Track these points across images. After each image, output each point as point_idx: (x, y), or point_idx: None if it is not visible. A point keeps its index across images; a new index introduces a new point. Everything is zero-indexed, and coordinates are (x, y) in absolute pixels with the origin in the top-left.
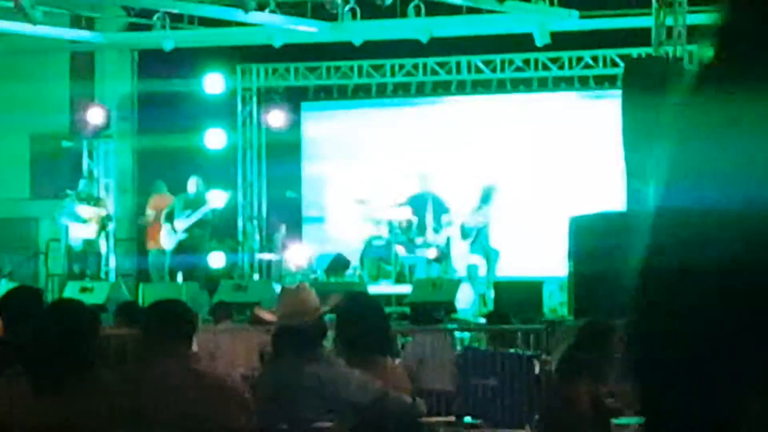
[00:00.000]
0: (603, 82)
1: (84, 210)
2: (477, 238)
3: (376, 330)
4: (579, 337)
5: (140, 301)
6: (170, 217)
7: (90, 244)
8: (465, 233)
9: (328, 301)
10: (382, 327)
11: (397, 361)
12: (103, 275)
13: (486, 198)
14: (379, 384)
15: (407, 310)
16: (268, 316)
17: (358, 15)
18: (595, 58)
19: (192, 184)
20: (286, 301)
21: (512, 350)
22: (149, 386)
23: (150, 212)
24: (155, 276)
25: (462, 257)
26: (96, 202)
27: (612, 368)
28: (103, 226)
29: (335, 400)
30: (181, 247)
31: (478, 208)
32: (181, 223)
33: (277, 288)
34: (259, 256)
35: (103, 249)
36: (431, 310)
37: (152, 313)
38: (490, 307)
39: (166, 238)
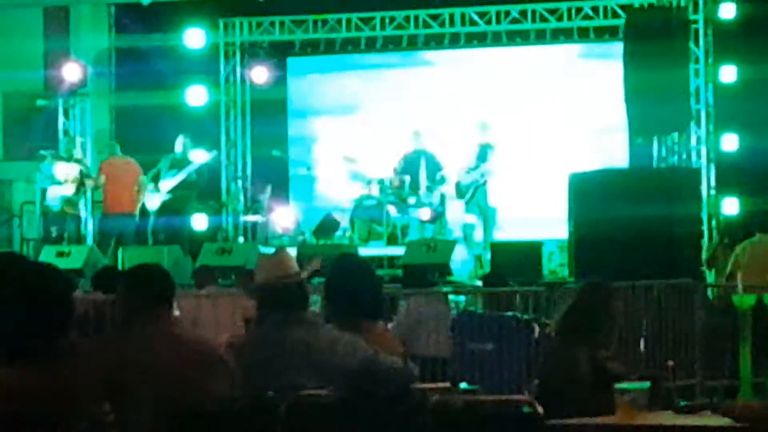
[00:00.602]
0: (604, 33)
1: (61, 169)
2: (473, 196)
3: (366, 293)
4: (579, 299)
5: (120, 265)
6: (156, 178)
7: (69, 204)
8: (460, 192)
9: (308, 265)
10: (373, 290)
11: (390, 325)
12: (82, 239)
13: (483, 155)
14: (369, 348)
15: (400, 272)
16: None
17: None
18: (595, 9)
19: (179, 143)
20: (265, 266)
21: (510, 314)
22: (129, 353)
23: (102, 177)
24: (123, 241)
25: (457, 217)
26: (75, 160)
27: (614, 332)
28: (81, 183)
29: (323, 364)
30: (165, 209)
31: (474, 167)
32: (167, 184)
33: (264, 251)
34: (243, 218)
35: (82, 212)
36: (425, 272)
37: (129, 278)
38: (487, 269)
39: (151, 199)
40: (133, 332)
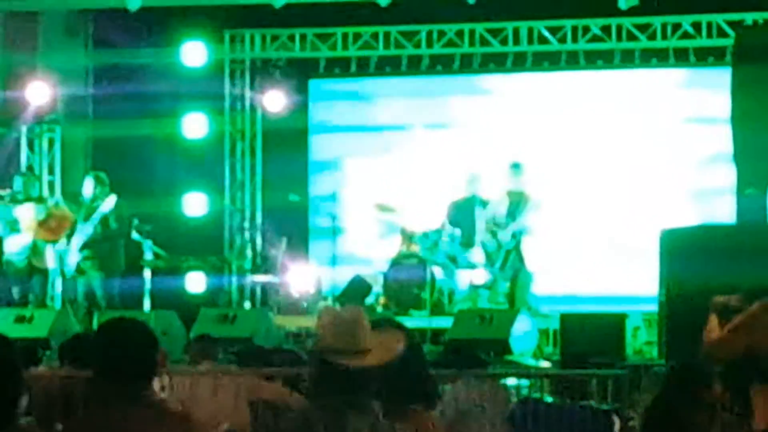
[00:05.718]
0: (706, 56)
1: (25, 212)
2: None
3: (415, 374)
4: (669, 386)
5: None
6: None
7: (36, 255)
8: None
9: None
10: (422, 371)
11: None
12: (49, 301)
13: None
14: None
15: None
16: None
17: None
18: (696, 26)
19: (88, 186)
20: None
21: (584, 403)
22: None
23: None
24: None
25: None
26: (38, 199)
27: (714, 426)
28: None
29: None
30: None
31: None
32: (77, 240)
33: (275, 319)
34: (251, 278)
35: (50, 264)
36: (477, 349)
37: (101, 344)
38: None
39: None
40: (109, 416)
